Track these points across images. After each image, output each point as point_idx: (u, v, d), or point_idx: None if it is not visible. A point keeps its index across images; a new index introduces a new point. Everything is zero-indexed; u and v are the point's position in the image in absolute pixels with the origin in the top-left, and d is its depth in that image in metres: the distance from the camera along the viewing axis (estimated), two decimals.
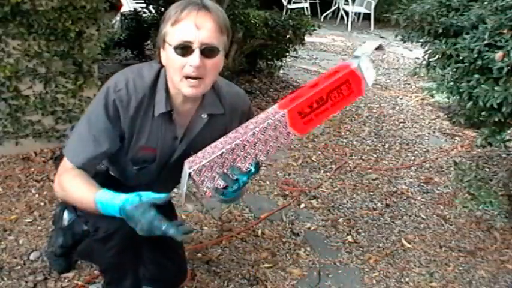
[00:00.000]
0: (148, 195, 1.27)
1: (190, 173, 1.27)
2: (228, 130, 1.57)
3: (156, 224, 1.22)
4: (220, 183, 1.30)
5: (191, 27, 1.33)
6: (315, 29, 5.06)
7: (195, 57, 1.34)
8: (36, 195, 2.57)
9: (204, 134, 1.55)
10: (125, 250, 1.53)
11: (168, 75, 1.44)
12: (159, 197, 1.27)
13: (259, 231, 2.47)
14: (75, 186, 1.40)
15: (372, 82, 1.32)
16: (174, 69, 1.38)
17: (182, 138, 1.55)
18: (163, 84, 1.46)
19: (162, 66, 1.46)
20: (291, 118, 1.27)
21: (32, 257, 2.09)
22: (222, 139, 1.32)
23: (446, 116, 3.60)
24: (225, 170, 1.29)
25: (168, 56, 1.38)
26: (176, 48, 1.35)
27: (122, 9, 5.83)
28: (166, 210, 1.90)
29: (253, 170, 1.31)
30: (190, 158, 1.31)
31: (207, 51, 1.35)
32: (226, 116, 1.57)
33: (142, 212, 1.23)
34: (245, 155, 1.28)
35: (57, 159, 1.86)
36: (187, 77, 1.36)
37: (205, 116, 1.53)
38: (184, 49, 1.34)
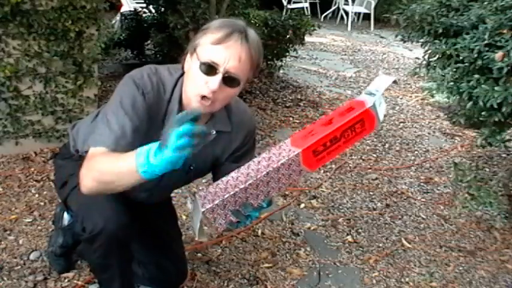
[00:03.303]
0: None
1: (203, 211, 1.30)
2: (230, 146, 1.59)
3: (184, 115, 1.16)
4: (233, 219, 1.32)
5: (225, 52, 1.34)
6: (315, 29, 5.06)
7: (215, 81, 1.35)
8: (36, 195, 2.57)
9: (208, 149, 1.56)
10: (111, 251, 1.53)
11: (185, 84, 1.45)
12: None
13: (259, 231, 2.47)
14: (112, 158, 1.32)
15: (383, 117, 1.33)
16: (193, 83, 1.39)
17: None
18: (178, 94, 1.46)
19: (182, 74, 1.46)
20: (305, 157, 1.28)
21: (32, 257, 2.09)
22: (233, 174, 1.32)
23: (446, 116, 3.60)
24: (237, 207, 1.30)
25: (192, 67, 1.39)
26: (202, 64, 1.36)
27: (122, 9, 5.85)
28: (167, 211, 1.91)
29: (265, 205, 1.33)
30: (202, 193, 1.32)
31: (229, 80, 1.36)
32: (232, 134, 1.58)
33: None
34: (258, 193, 1.30)
35: (56, 158, 1.86)
36: (202, 96, 1.37)
37: (214, 132, 1.54)
38: (209, 68, 1.35)
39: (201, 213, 1.32)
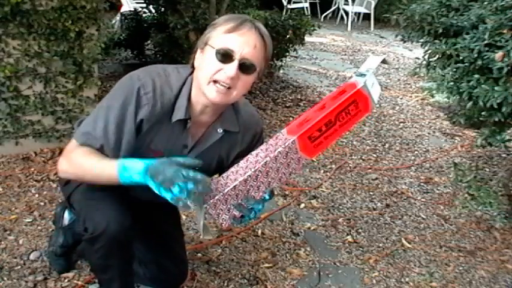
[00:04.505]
0: (178, 157, 1.32)
1: (205, 207, 1.30)
2: (236, 148, 1.60)
3: (180, 173, 1.24)
4: (236, 213, 1.31)
5: (241, 40, 1.36)
6: (315, 29, 5.06)
7: (232, 67, 1.35)
8: (36, 195, 2.57)
9: (214, 149, 1.56)
10: (112, 252, 1.53)
11: (196, 79, 1.45)
12: (189, 160, 1.31)
13: (259, 231, 2.47)
14: (94, 159, 1.41)
15: (378, 98, 1.32)
16: (207, 71, 1.38)
17: (191, 149, 1.55)
18: (187, 91, 1.47)
19: (191, 73, 1.47)
20: (301, 143, 1.28)
21: (32, 257, 2.09)
22: (233, 169, 1.32)
23: (446, 116, 3.60)
24: (240, 201, 1.30)
25: (206, 57, 1.39)
26: (218, 52, 1.36)
27: (122, 9, 5.85)
28: (170, 211, 1.91)
29: (267, 197, 1.33)
30: None
31: (245, 66, 1.37)
32: (239, 135, 1.58)
33: (169, 164, 1.27)
34: (258, 184, 1.30)
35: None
36: (216, 82, 1.37)
37: (221, 131, 1.54)
38: (225, 56, 1.36)
39: (203, 209, 1.31)
